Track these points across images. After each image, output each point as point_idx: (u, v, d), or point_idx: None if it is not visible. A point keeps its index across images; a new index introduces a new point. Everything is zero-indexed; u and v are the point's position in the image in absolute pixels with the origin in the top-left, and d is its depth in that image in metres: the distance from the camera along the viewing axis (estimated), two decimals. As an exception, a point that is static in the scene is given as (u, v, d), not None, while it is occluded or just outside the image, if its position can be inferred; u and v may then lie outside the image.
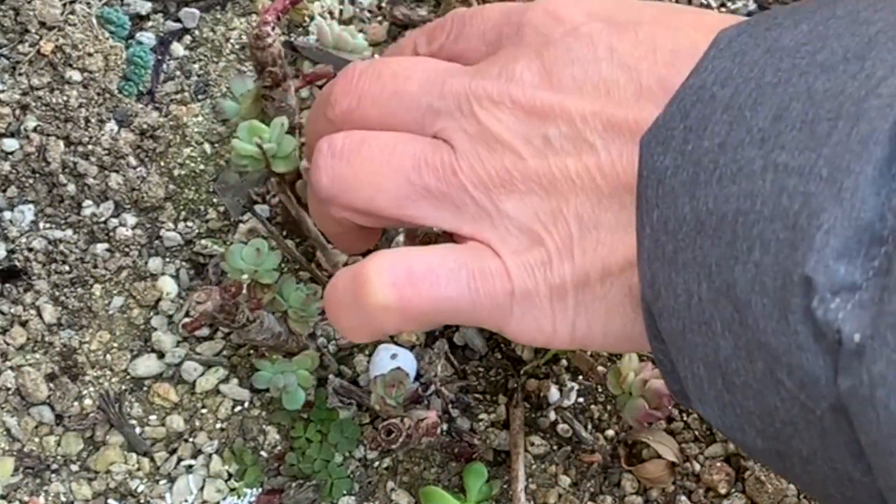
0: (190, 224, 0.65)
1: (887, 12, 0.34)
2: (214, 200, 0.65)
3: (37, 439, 0.61)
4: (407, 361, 0.60)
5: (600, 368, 0.61)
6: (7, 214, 0.64)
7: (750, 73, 0.35)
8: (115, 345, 0.63)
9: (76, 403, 0.62)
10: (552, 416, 0.62)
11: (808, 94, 0.33)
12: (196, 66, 0.68)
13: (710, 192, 0.34)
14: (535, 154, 0.41)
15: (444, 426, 0.61)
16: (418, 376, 0.60)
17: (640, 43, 0.40)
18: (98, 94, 0.65)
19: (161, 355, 0.63)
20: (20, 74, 0.65)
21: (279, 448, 0.61)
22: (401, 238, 0.61)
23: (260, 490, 0.61)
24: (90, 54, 0.66)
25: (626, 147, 0.39)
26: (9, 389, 0.61)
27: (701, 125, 0.35)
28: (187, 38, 0.69)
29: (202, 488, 0.61)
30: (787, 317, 0.31)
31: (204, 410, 0.62)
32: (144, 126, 0.65)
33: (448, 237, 0.45)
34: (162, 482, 0.61)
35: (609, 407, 0.62)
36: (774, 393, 0.32)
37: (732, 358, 0.34)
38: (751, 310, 0.32)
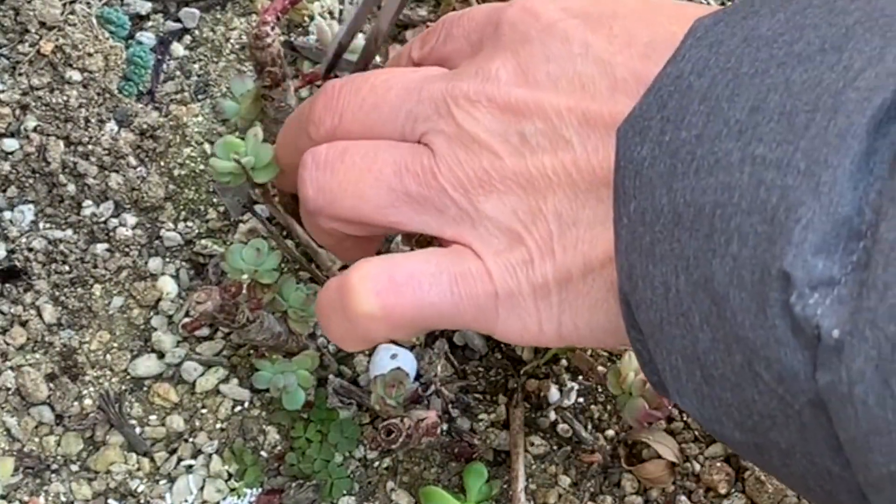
0: (190, 224, 0.65)
1: (864, 2, 0.33)
2: (214, 200, 0.65)
3: (37, 439, 0.61)
4: (407, 361, 0.60)
5: (600, 368, 0.61)
6: (7, 214, 0.64)
7: (727, 64, 0.34)
8: (115, 345, 0.63)
9: (76, 403, 0.62)
10: (552, 416, 0.61)
11: (786, 85, 0.33)
12: (196, 66, 0.68)
13: (687, 183, 0.34)
14: (511, 152, 0.41)
15: (444, 426, 0.61)
16: (418, 376, 0.60)
17: (616, 37, 0.40)
18: (98, 94, 0.66)
19: (161, 355, 0.63)
20: (20, 74, 0.65)
21: (279, 448, 0.61)
22: (399, 237, 0.61)
23: (260, 490, 0.61)
24: (90, 54, 0.66)
25: (601, 141, 0.39)
26: (9, 389, 0.62)
27: (678, 116, 0.35)
28: (187, 38, 0.69)
29: (202, 488, 0.61)
30: (766, 311, 0.31)
31: (204, 410, 0.62)
32: (144, 126, 0.65)
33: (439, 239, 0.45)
34: (162, 482, 0.61)
35: (609, 407, 0.61)
36: (752, 386, 0.32)
37: (710, 350, 0.33)
38: (728, 303, 0.32)
